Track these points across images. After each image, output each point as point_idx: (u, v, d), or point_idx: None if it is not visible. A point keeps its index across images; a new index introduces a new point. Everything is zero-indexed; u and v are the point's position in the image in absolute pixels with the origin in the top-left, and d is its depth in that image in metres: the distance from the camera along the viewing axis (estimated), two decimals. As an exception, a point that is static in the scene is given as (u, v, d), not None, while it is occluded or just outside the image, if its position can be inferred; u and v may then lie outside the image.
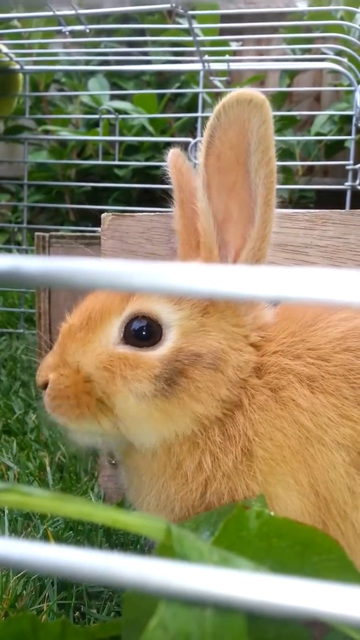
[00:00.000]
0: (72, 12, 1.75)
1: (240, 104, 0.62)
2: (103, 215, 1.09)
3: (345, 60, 1.95)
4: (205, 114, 2.43)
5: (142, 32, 2.81)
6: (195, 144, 2.09)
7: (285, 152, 2.79)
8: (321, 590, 0.31)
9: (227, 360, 0.68)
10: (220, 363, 0.68)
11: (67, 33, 1.87)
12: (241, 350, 0.70)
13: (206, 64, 2.01)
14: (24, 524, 1.02)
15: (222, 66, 2.02)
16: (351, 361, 0.67)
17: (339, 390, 0.66)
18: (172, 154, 0.82)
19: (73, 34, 1.90)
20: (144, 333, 0.69)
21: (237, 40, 2.55)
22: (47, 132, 2.70)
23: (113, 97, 2.77)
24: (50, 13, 1.80)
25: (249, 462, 0.66)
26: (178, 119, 2.76)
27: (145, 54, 2.71)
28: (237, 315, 0.71)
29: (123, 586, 0.30)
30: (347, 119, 2.58)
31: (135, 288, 0.32)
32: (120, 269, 0.32)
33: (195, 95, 2.40)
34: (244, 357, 0.69)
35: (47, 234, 1.64)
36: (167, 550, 0.38)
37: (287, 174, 2.80)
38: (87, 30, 1.82)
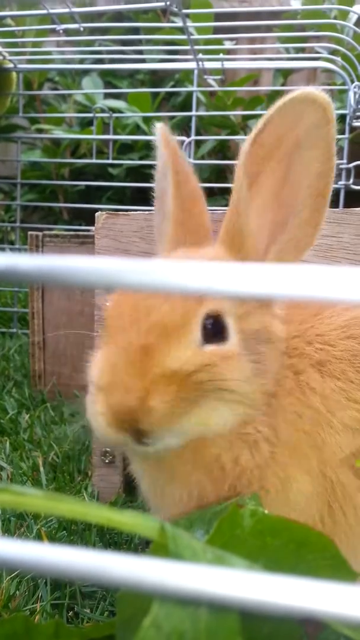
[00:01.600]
0: (66, 10, 1.74)
1: (302, 102, 0.64)
2: (97, 214, 1.09)
3: (339, 59, 1.96)
4: (199, 113, 2.43)
5: (136, 31, 2.80)
6: (190, 142, 2.09)
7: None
8: (315, 589, 0.31)
9: (273, 332, 0.69)
10: (271, 336, 0.69)
11: (61, 32, 1.86)
12: (278, 325, 0.71)
13: (200, 63, 2.01)
14: (17, 523, 1.01)
15: (216, 65, 2.02)
16: (355, 347, 0.70)
17: (345, 374, 0.68)
18: (162, 130, 0.80)
19: (67, 32, 1.90)
20: (218, 330, 0.67)
21: (231, 39, 2.55)
22: (40, 131, 2.69)
23: (107, 96, 2.76)
24: (44, 11, 1.79)
25: (274, 448, 0.67)
26: (172, 117, 2.76)
27: (140, 52, 2.70)
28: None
29: (116, 585, 0.30)
30: (341, 118, 2.58)
31: (132, 286, 0.32)
32: (118, 267, 0.32)
33: (190, 94, 2.39)
34: (280, 327, 0.71)
35: (40, 233, 1.63)
36: (161, 548, 0.38)
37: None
38: (81, 29, 1.82)
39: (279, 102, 0.65)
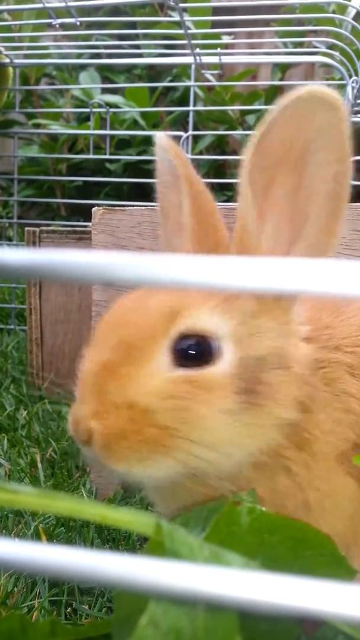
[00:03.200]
0: (62, 4, 1.73)
1: (309, 101, 0.59)
2: (94, 209, 1.08)
3: (337, 53, 1.95)
4: (196, 108, 2.42)
5: (133, 25, 2.79)
6: (187, 137, 2.08)
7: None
8: (312, 587, 0.31)
9: (289, 356, 0.65)
10: (284, 360, 0.64)
11: (58, 26, 1.85)
12: (297, 345, 0.67)
13: (198, 58, 2.00)
14: (15, 520, 1.01)
15: (213, 59, 2.01)
16: None
17: None
18: (167, 142, 0.76)
19: (64, 27, 1.88)
20: (198, 352, 0.62)
21: (229, 34, 2.54)
22: (37, 126, 2.67)
23: (104, 91, 2.75)
24: (40, 5, 1.78)
25: (315, 462, 0.65)
26: (170, 112, 2.75)
27: (137, 47, 2.69)
28: (286, 312, 0.67)
29: (112, 585, 0.29)
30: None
31: (122, 280, 0.31)
32: (105, 261, 0.31)
33: (187, 89, 2.38)
34: (302, 351, 0.67)
35: (37, 229, 1.63)
36: (157, 545, 0.38)
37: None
38: (78, 23, 1.81)
39: (282, 103, 0.59)
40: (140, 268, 0.31)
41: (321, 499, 0.66)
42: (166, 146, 0.75)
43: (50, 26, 1.89)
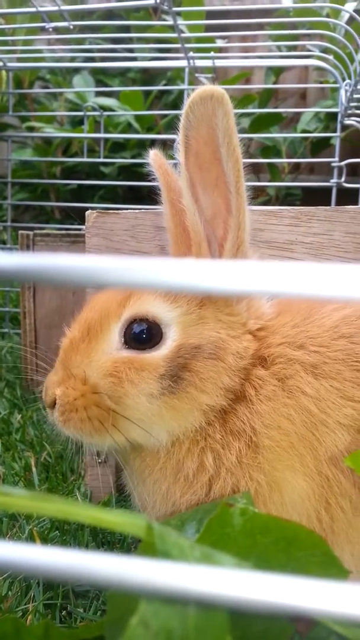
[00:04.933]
0: (55, 8, 1.73)
1: (204, 101, 0.65)
2: (87, 212, 1.08)
3: (331, 57, 1.96)
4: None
5: (127, 29, 2.79)
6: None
7: (271, 150, 2.80)
8: (304, 586, 0.31)
9: (226, 348, 0.70)
10: (220, 352, 0.70)
11: (51, 30, 1.85)
12: (239, 337, 0.72)
13: (191, 61, 2.00)
14: (9, 524, 1.01)
15: (207, 63, 2.02)
16: (348, 346, 0.71)
17: (340, 374, 0.69)
18: (154, 155, 0.83)
19: (57, 30, 1.89)
20: (144, 335, 0.70)
21: (222, 37, 2.54)
22: (31, 129, 2.67)
23: (98, 94, 2.75)
24: (33, 9, 1.78)
25: (254, 453, 0.68)
26: (164, 116, 2.75)
27: (131, 50, 2.69)
28: (229, 304, 0.73)
29: (102, 585, 0.30)
30: (333, 117, 2.59)
31: (116, 284, 0.32)
32: (99, 264, 0.32)
33: (182, 92, 2.39)
34: (243, 344, 0.71)
35: (31, 232, 1.62)
36: (149, 547, 0.38)
37: (273, 172, 2.80)
38: (71, 27, 1.81)
39: (188, 105, 0.66)
40: (133, 271, 0.31)
41: (262, 490, 0.68)
42: (152, 158, 0.82)
43: (43, 30, 1.89)
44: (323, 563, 0.52)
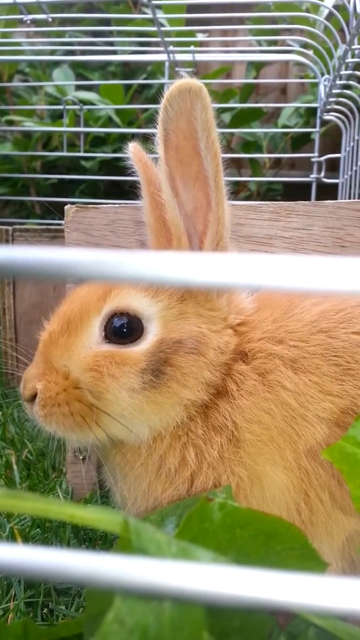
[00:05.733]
0: (34, 0, 1.70)
1: (182, 94, 0.65)
2: (66, 207, 1.07)
3: (310, 52, 1.96)
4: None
5: (107, 22, 2.77)
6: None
7: (252, 145, 2.80)
8: (282, 580, 0.31)
9: (207, 342, 0.70)
10: (201, 346, 0.70)
11: (29, 22, 1.83)
12: (220, 332, 0.72)
13: (171, 55, 1.99)
14: (-10, 522, 1.00)
15: (188, 57, 2.01)
16: (326, 341, 0.71)
17: (319, 368, 0.69)
18: (134, 147, 0.82)
19: (36, 23, 1.86)
20: (125, 330, 0.69)
21: (203, 31, 2.53)
22: (10, 123, 2.64)
23: (78, 88, 2.72)
24: (10, 1, 1.76)
25: (235, 448, 0.68)
26: (145, 110, 2.73)
27: (111, 44, 2.67)
28: (210, 299, 0.73)
29: (78, 583, 0.29)
30: (313, 112, 2.60)
31: (86, 277, 0.31)
32: (72, 257, 0.31)
33: (162, 86, 2.37)
34: (224, 339, 0.71)
35: (10, 227, 1.60)
36: (128, 543, 0.38)
37: (254, 167, 2.80)
38: (50, 19, 1.78)
39: (166, 99, 0.66)
40: (111, 264, 0.30)
41: (243, 485, 0.68)
42: (131, 151, 0.82)
43: (22, 22, 1.86)
44: (302, 556, 0.53)
